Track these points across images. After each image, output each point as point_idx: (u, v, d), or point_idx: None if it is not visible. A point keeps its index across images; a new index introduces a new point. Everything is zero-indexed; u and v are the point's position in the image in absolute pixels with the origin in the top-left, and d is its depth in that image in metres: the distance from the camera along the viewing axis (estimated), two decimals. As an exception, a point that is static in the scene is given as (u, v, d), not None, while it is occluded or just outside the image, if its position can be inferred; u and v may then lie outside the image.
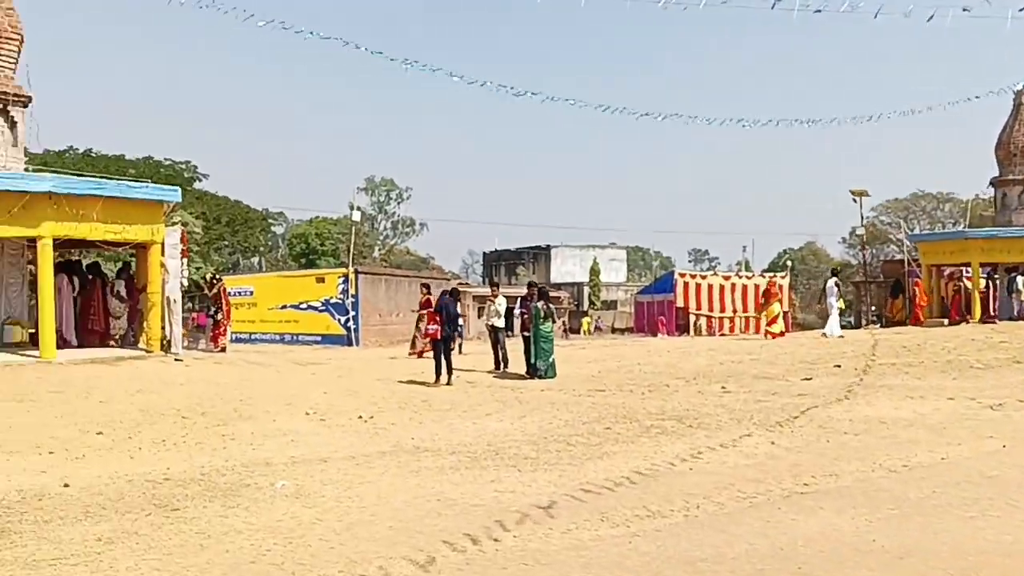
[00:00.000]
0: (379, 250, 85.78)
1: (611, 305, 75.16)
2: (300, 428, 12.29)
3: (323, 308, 41.34)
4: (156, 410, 13.30)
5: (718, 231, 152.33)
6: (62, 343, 18.07)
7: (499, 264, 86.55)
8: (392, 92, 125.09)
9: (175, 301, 18.72)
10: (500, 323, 19.65)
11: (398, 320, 44.12)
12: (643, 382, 17.14)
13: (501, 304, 19.57)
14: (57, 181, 16.69)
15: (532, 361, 18.20)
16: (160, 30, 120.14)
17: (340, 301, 40.92)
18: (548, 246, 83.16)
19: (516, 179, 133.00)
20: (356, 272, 41.34)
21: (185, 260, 19.59)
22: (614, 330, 62.14)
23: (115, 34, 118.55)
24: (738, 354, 21.85)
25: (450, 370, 16.99)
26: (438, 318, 17.07)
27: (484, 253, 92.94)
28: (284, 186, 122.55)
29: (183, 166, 59.75)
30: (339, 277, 41.30)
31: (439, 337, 16.93)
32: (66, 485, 8.80)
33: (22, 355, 16.84)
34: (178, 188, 20.06)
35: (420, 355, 22.40)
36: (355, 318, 40.60)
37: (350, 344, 39.82)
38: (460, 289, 21.79)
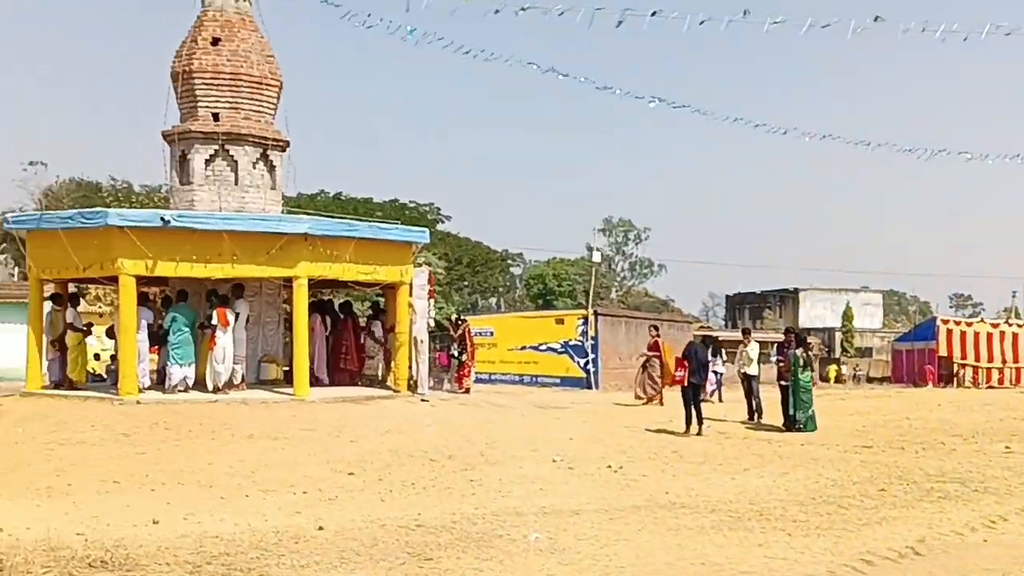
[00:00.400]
0: (616, 292, 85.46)
1: (865, 352, 71.37)
2: (548, 475, 11.92)
3: (562, 350, 41.22)
4: (405, 451, 13.29)
5: (983, 275, 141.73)
6: (314, 381, 18.60)
7: (743, 307, 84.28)
8: (629, 131, 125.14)
9: (422, 341, 18.96)
10: (753, 370, 18.70)
11: (638, 363, 43.47)
12: (915, 439, 15.82)
13: (754, 350, 18.64)
14: (313, 223, 17.25)
15: (791, 412, 17.18)
16: (401, 77, 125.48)
17: (579, 343, 40.70)
18: (796, 289, 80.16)
19: (760, 219, 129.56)
20: (596, 314, 41.05)
21: (431, 301, 19.82)
22: (870, 379, 58.93)
23: (356, 79, 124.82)
24: (1019, 410, 19.94)
25: (700, 419, 16.25)
26: (686, 364, 16.38)
27: (727, 296, 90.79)
28: (522, 227, 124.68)
29: (427, 208, 61.69)
30: (578, 319, 41.10)
31: (685, 384, 16.24)
32: (320, 528, 8.74)
33: (277, 392, 17.41)
34: (426, 230, 20.43)
35: (650, 402, 21.49)
36: (594, 361, 40.26)
37: (589, 387, 39.43)
38: (716, 336, 20.72)
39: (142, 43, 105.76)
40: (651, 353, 22.03)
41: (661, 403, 21.40)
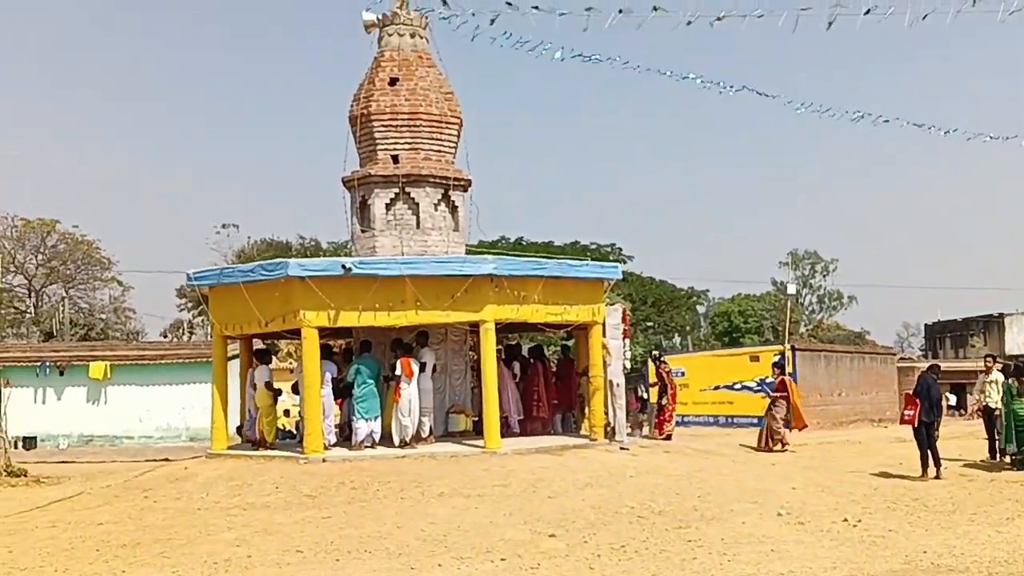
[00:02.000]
0: (805, 326, 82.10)
1: None
2: (776, 533, 10.38)
3: (758, 388, 39.17)
4: (608, 507, 12.01)
5: None
6: (505, 430, 17.58)
7: (944, 336, 79.30)
8: (803, 159, 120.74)
9: (618, 385, 17.62)
10: (996, 402, 16.48)
11: (839, 400, 40.90)
12: None
13: (998, 379, 16.35)
14: (499, 263, 16.26)
15: (1003, 446, 15.35)
16: (574, 106, 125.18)
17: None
18: (1001, 314, 74.83)
19: (953, 243, 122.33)
20: (793, 349, 38.84)
21: (627, 341, 18.50)
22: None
23: (531, 113, 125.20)
24: None
25: (937, 461, 14.31)
26: (917, 401, 14.44)
27: (925, 325, 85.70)
28: (704, 264, 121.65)
29: (608, 249, 60.56)
30: (775, 355, 39.01)
31: (915, 424, 14.32)
32: (526, 606, 7.54)
33: (467, 444, 16.44)
34: (618, 265, 19.07)
35: (770, 450, 19.27)
36: (792, 398, 38.03)
37: (788, 427, 37.30)
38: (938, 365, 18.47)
39: (326, 92, 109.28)
40: (777, 394, 19.72)
41: (783, 447, 19.29)
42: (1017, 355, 66.58)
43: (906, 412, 14.55)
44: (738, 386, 38.90)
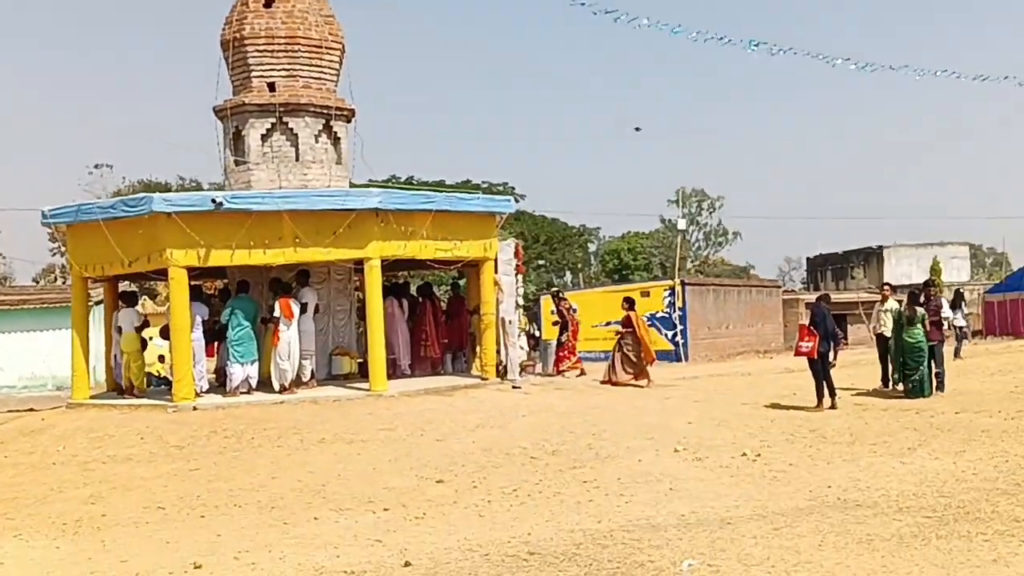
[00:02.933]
0: (692, 262, 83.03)
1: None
2: (674, 471, 9.90)
3: (649, 323, 39.16)
4: (500, 449, 11.39)
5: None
6: (395, 372, 16.82)
7: (825, 269, 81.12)
8: (691, 95, 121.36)
9: (510, 323, 16.94)
10: (890, 331, 16.24)
11: (727, 333, 41.27)
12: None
13: (892, 307, 16.06)
14: (384, 196, 15.31)
15: (893, 374, 15.27)
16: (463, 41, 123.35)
17: (667, 315, 38.61)
18: (880, 247, 76.77)
19: (835, 174, 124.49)
20: (683, 284, 38.89)
21: (520, 277, 17.80)
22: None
23: (416, 47, 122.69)
24: None
25: (832, 391, 14.05)
26: (814, 332, 14.08)
27: (807, 259, 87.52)
28: (594, 203, 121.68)
29: (500, 188, 59.79)
30: (665, 290, 39.03)
31: (815, 355, 13.99)
32: (407, 564, 6.84)
33: (351, 388, 15.63)
34: (510, 199, 18.21)
35: (616, 383, 17.93)
36: (683, 332, 38.14)
37: (678, 360, 37.37)
38: (828, 295, 17.94)
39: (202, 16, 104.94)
40: (625, 330, 18.89)
41: (648, 382, 18.16)
42: (895, 286, 68.40)
43: (803, 344, 14.17)
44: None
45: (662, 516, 7.92)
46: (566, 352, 20.00)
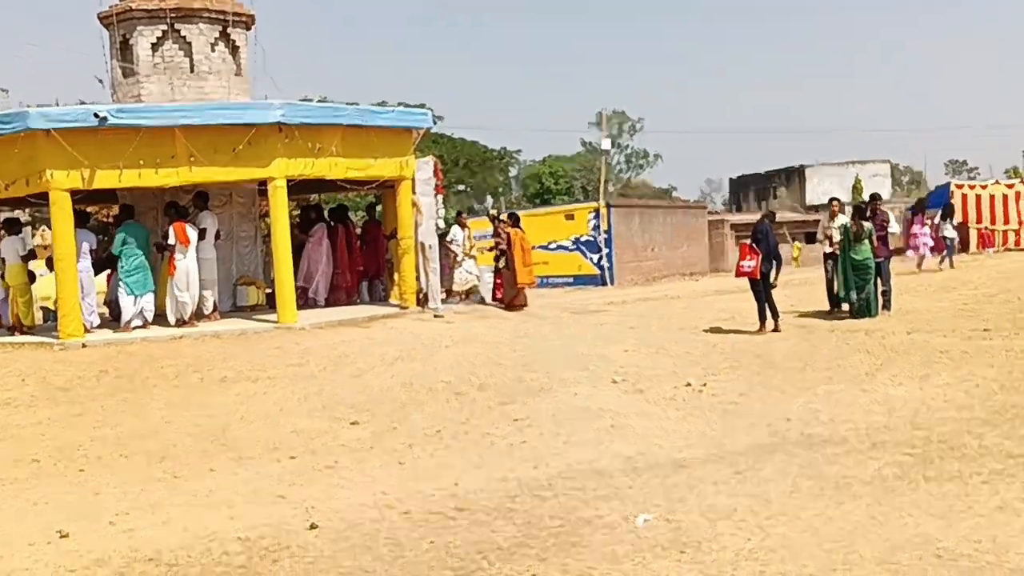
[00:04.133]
0: (614, 185, 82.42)
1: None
2: (615, 405, 8.96)
3: (573, 247, 38.34)
4: (422, 384, 10.33)
5: (982, 134, 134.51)
6: (305, 303, 15.58)
7: (747, 190, 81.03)
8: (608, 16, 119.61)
9: (430, 247, 15.69)
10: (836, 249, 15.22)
11: (653, 256, 40.64)
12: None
13: (840, 223, 14.95)
14: (288, 109, 13.85)
15: (838, 293, 14.43)
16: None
17: (592, 239, 37.77)
18: (802, 166, 76.68)
19: (754, 93, 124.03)
20: (608, 206, 37.99)
21: (440, 197, 16.49)
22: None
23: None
24: None
25: (775, 312, 13.25)
26: (757, 251, 13.21)
27: (730, 180, 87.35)
28: (513, 125, 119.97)
29: (418, 108, 58.08)
30: (590, 212, 38.10)
31: (757, 275, 13.15)
32: (313, 526, 5.79)
33: (258, 320, 14.35)
34: (427, 112, 16.71)
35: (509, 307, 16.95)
36: (608, 256, 37.37)
37: (604, 284, 36.69)
38: (774, 212, 16.79)
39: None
40: (500, 247, 17.54)
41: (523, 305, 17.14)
42: (817, 205, 68.50)
43: (744, 263, 13.28)
44: (553, 246, 37.88)
45: (606, 459, 6.98)
46: (502, 280, 18.41)
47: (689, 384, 9.62)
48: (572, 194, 69.42)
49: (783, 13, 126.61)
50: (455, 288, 17.39)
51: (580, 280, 37.34)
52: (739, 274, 13.55)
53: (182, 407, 9.88)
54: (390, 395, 9.92)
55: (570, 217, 38.63)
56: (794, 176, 77.45)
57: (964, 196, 41.86)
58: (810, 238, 52.79)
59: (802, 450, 6.81)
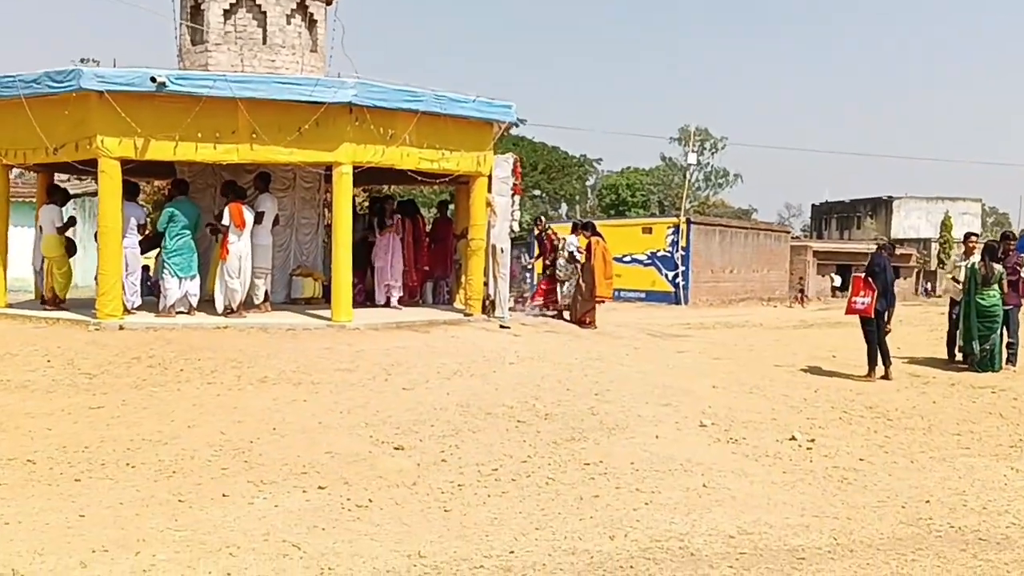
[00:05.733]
0: (691, 202, 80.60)
1: None
2: (706, 457, 7.57)
3: (649, 262, 36.93)
4: (480, 406, 9.05)
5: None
6: (370, 304, 14.42)
7: (830, 217, 78.74)
8: (702, 39, 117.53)
9: (502, 251, 14.38)
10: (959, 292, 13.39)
11: (731, 277, 39.00)
12: None
13: (970, 262, 13.07)
14: (360, 88, 12.67)
15: (962, 344, 12.77)
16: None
17: (668, 254, 36.31)
18: (890, 197, 74.26)
19: (840, 124, 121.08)
20: (688, 222, 36.46)
21: (517, 198, 15.15)
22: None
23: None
24: None
25: (887, 358, 11.71)
26: (872, 286, 11.62)
27: (812, 205, 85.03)
28: (595, 138, 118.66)
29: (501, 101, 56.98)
30: (668, 227, 36.64)
31: (871, 313, 11.58)
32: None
33: (311, 315, 13.19)
34: (511, 105, 15.38)
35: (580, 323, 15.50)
36: (684, 274, 35.86)
37: (678, 302, 35.25)
38: (892, 244, 14.91)
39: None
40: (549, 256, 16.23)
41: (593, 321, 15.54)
42: (902, 239, 65.96)
43: (858, 300, 11.66)
44: (628, 259, 36.52)
45: (700, 536, 5.61)
46: (542, 287, 16.87)
47: (793, 437, 8.19)
48: (648, 208, 68.31)
49: (878, 37, 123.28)
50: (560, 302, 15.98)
51: (653, 296, 35.92)
52: (850, 311, 11.95)
53: (211, 409, 8.72)
54: (443, 416, 8.64)
55: (648, 231, 37.20)
56: (881, 207, 75.10)
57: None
58: (894, 272, 50.85)
59: (955, 550, 5.37)
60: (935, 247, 66.87)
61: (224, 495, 6.36)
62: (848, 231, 76.87)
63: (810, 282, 47.03)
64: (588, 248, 15.77)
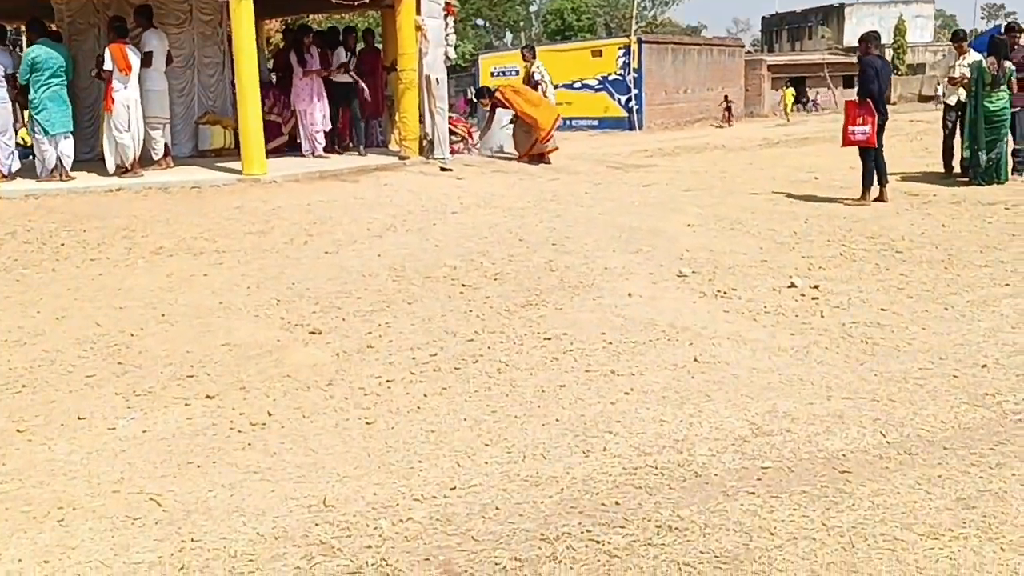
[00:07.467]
0: (638, 22, 77.77)
1: (918, 69, 64.39)
2: (693, 318, 6.15)
3: (600, 87, 34.99)
4: (416, 268, 7.55)
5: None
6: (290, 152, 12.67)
7: (781, 29, 76.51)
8: None
9: (437, 82, 12.58)
10: (955, 99, 11.84)
11: (686, 97, 37.24)
12: None
13: (971, 62, 11.54)
14: None
15: (964, 153, 11.32)
16: None
17: (620, 77, 34.35)
18: (841, 4, 71.98)
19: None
20: (639, 42, 34.36)
21: (451, 20, 13.23)
22: (921, 99, 51.99)
23: None
24: None
25: (883, 178, 10.24)
26: (873, 111, 9.90)
27: (762, 18, 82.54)
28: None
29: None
30: (619, 49, 34.54)
31: (875, 143, 9.98)
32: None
33: (221, 169, 11.46)
34: None
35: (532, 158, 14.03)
36: (638, 97, 34.01)
37: (632, 128, 33.54)
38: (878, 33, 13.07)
39: None
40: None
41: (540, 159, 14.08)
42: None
43: (857, 129, 9.92)
44: (578, 85, 34.63)
45: (703, 440, 4.21)
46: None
47: (794, 285, 6.77)
48: (595, 31, 66.10)
49: None
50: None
51: (605, 123, 34.19)
52: (848, 143, 10.28)
53: (89, 294, 7.14)
54: (372, 285, 7.14)
55: (598, 53, 35.12)
56: (832, 14, 72.89)
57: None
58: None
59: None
60: (889, 52, 65.07)
61: (80, 417, 4.86)
62: (799, 42, 74.92)
63: (765, 98, 45.39)
64: (505, 97, 13.94)
